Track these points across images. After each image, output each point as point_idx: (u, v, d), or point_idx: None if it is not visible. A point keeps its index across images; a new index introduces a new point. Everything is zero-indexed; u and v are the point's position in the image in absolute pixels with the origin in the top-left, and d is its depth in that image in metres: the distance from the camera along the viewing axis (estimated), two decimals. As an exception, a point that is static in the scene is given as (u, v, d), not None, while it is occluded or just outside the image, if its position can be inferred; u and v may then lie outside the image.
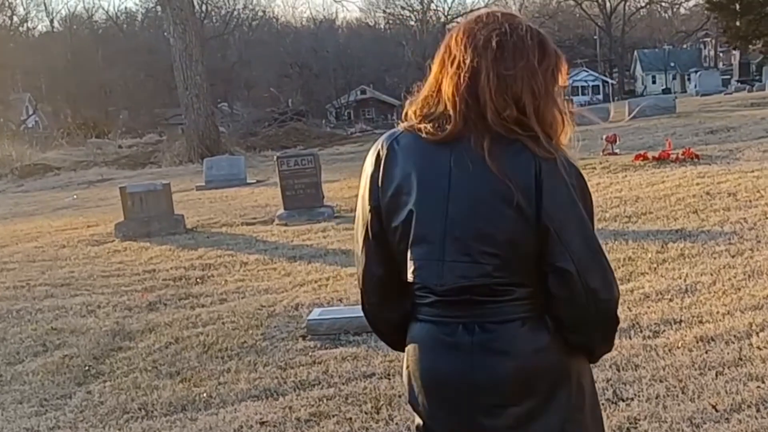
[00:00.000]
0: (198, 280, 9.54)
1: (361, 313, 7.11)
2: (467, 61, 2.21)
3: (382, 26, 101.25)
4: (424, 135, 2.26)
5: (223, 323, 7.59)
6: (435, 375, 2.33)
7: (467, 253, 2.20)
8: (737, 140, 17.06)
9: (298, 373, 6.06)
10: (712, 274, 7.29)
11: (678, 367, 5.29)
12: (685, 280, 7.19)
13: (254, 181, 21.87)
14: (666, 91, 72.54)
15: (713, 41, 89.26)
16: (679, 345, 5.67)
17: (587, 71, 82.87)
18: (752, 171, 12.25)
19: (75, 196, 22.55)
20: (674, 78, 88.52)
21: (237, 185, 20.99)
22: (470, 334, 2.24)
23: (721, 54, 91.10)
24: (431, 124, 2.25)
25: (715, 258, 7.82)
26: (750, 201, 10.15)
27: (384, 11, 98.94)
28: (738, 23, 48.72)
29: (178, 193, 20.43)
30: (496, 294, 2.22)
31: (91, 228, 14.40)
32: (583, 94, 77.62)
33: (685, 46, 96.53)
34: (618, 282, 2.34)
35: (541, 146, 2.17)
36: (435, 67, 2.31)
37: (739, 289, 6.80)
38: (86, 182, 29.05)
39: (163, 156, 35.37)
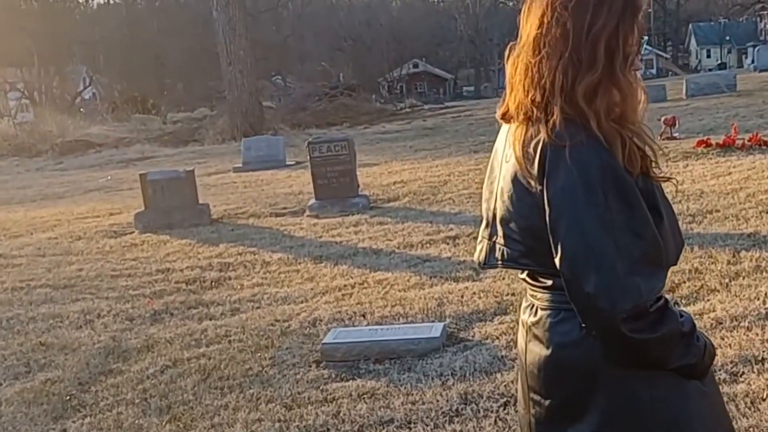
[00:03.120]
0: (213, 283, 8.66)
1: (383, 336, 6.08)
2: (519, 40, 2.13)
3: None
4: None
5: (229, 342, 6.69)
6: (517, 348, 2.35)
7: (501, 235, 2.19)
8: (808, 124, 15.74)
9: (305, 416, 5.13)
10: (796, 295, 6.22)
11: (765, 430, 4.26)
12: (764, 302, 6.11)
13: (293, 162, 21.01)
14: (722, 66, 70.32)
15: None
16: (765, 396, 4.63)
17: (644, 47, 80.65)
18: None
19: (110, 177, 21.87)
20: (729, 52, 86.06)
21: (275, 167, 20.17)
22: (530, 314, 2.23)
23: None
24: (504, 107, 2.19)
25: (798, 273, 6.75)
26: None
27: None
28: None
29: (214, 175, 19.79)
30: (535, 280, 2.19)
31: (113, 216, 13.62)
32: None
33: (741, 19, 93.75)
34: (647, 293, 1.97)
35: (552, 131, 1.99)
36: None
37: (831, 316, 5.74)
38: (126, 160, 28.46)
39: (206, 133, 34.67)
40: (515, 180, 2.10)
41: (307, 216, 12.06)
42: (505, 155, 2.17)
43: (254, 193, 15.31)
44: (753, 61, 56.15)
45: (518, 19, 2.14)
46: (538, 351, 2.19)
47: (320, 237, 10.53)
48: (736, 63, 76.93)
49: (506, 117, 2.18)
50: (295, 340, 6.57)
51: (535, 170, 2.02)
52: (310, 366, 6.02)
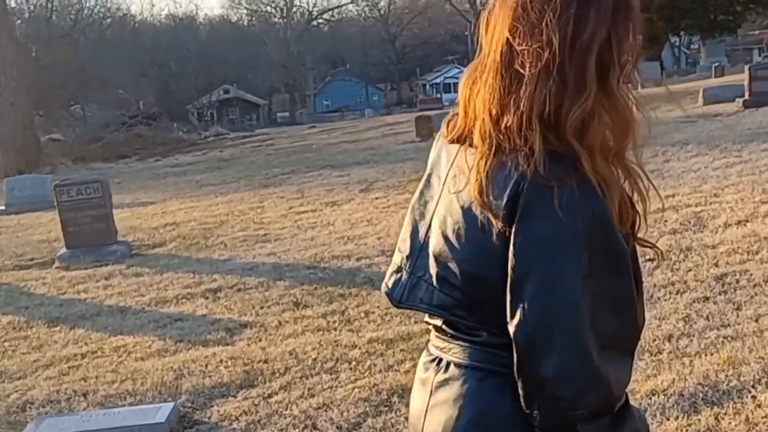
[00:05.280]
0: None
1: (96, 425, 4.91)
2: (480, 55, 1.71)
3: (245, 23, 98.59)
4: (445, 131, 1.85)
5: None
6: (410, 413, 1.88)
7: (432, 274, 1.72)
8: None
9: None
10: None
11: None
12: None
13: (64, 202, 19.45)
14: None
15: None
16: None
17: (459, 68, 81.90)
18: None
19: None
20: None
21: (42, 209, 18.48)
22: (436, 371, 1.76)
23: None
24: (451, 122, 1.81)
25: None
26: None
27: (247, 7, 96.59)
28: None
29: (-30, 219, 17.95)
30: (462, 332, 1.71)
31: None
32: (455, 91, 77.38)
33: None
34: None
35: (536, 166, 1.53)
36: None
37: None
38: None
39: (-26, 172, 32.25)
40: (466, 214, 1.66)
41: (56, 268, 10.74)
42: (451, 183, 1.73)
43: (4, 241, 13.79)
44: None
45: (476, 32, 1.73)
46: (444, 419, 1.72)
47: (63, 293, 9.29)
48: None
49: (460, 140, 1.75)
50: (-6, 433, 5.45)
51: (501, 208, 1.58)
52: (4, 469, 4.93)
